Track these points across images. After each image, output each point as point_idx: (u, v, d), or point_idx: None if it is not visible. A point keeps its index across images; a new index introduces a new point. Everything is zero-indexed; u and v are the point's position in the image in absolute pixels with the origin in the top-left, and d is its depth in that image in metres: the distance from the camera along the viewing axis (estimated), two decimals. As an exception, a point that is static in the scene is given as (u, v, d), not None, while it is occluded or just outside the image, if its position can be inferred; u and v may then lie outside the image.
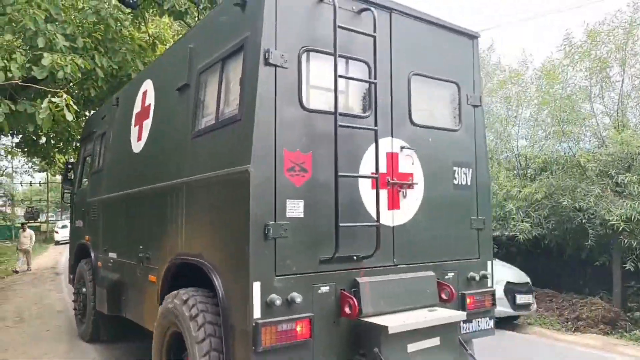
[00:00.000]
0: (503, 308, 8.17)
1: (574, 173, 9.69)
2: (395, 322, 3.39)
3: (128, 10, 9.40)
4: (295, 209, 3.32)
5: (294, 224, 3.30)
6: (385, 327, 3.30)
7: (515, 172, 11.39)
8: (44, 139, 13.92)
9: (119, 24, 8.92)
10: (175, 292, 3.82)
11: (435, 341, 3.60)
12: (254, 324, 3.03)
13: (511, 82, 11.53)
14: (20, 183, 33.87)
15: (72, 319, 7.83)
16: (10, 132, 13.75)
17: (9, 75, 6.35)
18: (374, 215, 3.59)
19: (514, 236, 10.40)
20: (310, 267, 3.35)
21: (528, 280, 8.82)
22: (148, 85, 5.30)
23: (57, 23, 7.59)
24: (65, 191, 8.87)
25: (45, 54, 6.80)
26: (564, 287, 10.51)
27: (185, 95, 4.32)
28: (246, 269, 3.11)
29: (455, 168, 4.31)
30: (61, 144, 14.37)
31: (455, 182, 4.31)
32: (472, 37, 4.62)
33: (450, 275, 4.17)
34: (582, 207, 8.94)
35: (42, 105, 4.69)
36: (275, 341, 3.09)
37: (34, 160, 18.36)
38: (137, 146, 5.33)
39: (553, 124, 10.29)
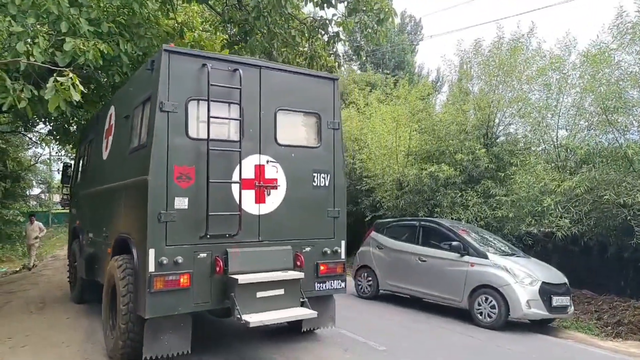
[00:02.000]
0: (538, 310, 7.65)
1: (619, 166, 9.05)
2: (245, 277, 5.09)
3: (155, -3, 9.22)
4: (181, 203, 4.99)
5: (181, 213, 4.98)
6: (237, 279, 5.02)
7: (553, 164, 10.74)
8: (74, 127, 14.03)
9: (145, 9, 8.76)
10: (114, 257, 5.60)
11: (280, 291, 5.30)
12: (149, 275, 4.76)
13: (552, 69, 10.83)
14: (57, 170, 34.73)
15: (89, 306, 8.33)
16: (43, 120, 13.99)
17: (32, 59, 6.28)
18: (242, 208, 5.30)
19: (551, 232, 9.81)
20: (192, 241, 5.05)
21: (565, 280, 8.25)
22: (112, 110, 7.09)
23: (81, 8, 7.46)
24: (64, 186, 11.18)
25: (67, 39, 6.67)
26: (604, 289, 9.79)
27: (127, 122, 6.02)
28: (145, 241, 4.81)
29: (314, 174, 5.97)
30: (92, 131, 14.41)
31: (315, 184, 5.96)
32: (333, 80, 6.27)
33: (308, 249, 5.83)
34: (627, 203, 8.33)
35: (48, 85, 4.62)
36: (163, 287, 4.80)
37: (66, 148, 18.54)
38: (105, 154, 7.16)
39: (597, 112, 9.61)
